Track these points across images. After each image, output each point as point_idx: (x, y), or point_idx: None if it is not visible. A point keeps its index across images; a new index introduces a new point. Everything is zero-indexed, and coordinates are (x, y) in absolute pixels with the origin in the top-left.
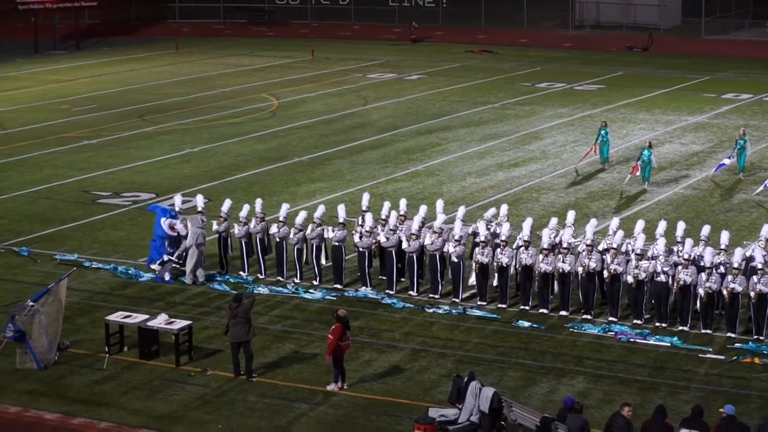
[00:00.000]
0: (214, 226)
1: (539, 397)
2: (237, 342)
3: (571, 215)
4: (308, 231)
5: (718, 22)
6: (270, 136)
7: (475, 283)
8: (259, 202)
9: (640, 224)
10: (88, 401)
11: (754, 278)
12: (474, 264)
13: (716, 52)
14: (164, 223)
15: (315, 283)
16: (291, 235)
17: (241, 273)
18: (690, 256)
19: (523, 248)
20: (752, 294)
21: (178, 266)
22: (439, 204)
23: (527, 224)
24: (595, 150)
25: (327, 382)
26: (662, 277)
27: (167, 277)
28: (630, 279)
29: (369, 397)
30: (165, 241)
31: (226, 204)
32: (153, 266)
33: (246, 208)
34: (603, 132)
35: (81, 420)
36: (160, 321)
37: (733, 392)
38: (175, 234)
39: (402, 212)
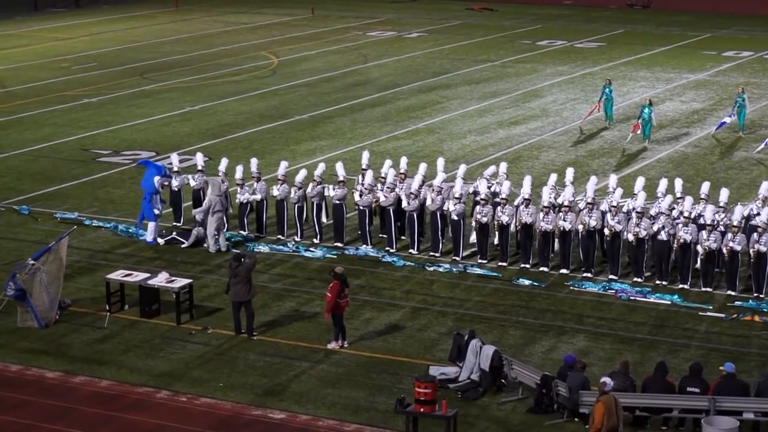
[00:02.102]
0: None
1: (540, 355)
2: (238, 301)
3: (570, 172)
4: (309, 189)
5: None
6: (270, 94)
7: (475, 241)
8: (254, 161)
9: (640, 181)
10: (88, 360)
11: (754, 236)
12: (474, 222)
13: (717, 9)
14: (157, 181)
15: (315, 241)
16: (291, 194)
17: (241, 232)
18: (690, 213)
19: (522, 206)
20: (752, 252)
21: (181, 244)
22: (440, 162)
23: (527, 182)
24: (599, 108)
25: (327, 340)
26: (663, 235)
27: (149, 237)
28: (630, 237)
29: (369, 355)
30: (156, 197)
31: (223, 163)
32: (150, 232)
33: (240, 169)
34: (607, 90)
35: (82, 378)
36: (160, 279)
37: (733, 350)
38: (164, 189)
39: (402, 170)
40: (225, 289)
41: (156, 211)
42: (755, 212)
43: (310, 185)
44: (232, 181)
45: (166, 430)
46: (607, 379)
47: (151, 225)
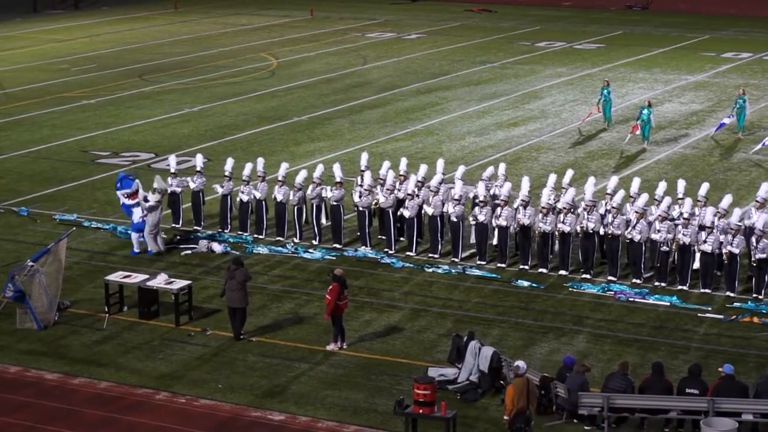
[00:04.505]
0: (219, 189)
1: (539, 356)
2: (232, 307)
3: (569, 174)
4: (308, 191)
5: None
6: (269, 95)
7: (474, 241)
8: (260, 161)
9: (636, 183)
10: (88, 361)
11: (753, 240)
12: (473, 224)
13: (715, 10)
14: (121, 195)
15: (314, 242)
16: (291, 195)
17: (240, 233)
18: (689, 215)
19: (521, 208)
20: (753, 254)
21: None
22: (440, 164)
23: (525, 184)
24: (598, 109)
25: (326, 341)
26: (660, 239)
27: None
28: (627, 236)
29: (369, 356)
30: (139, 211)
31: (229, 163)
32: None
33: (249, 166)
34: (605, 91)
35: (81, 380)
36: (159, 281)
37: (732, 351)
38: (136, 201)
39: (402, 172)
40: (221, 292)
41: (137, 219)
42: (754, 215)
43: (310, 187)
44: (237, 183)
45: (165, 431)
46: (520, 363)
47: (134, 236)
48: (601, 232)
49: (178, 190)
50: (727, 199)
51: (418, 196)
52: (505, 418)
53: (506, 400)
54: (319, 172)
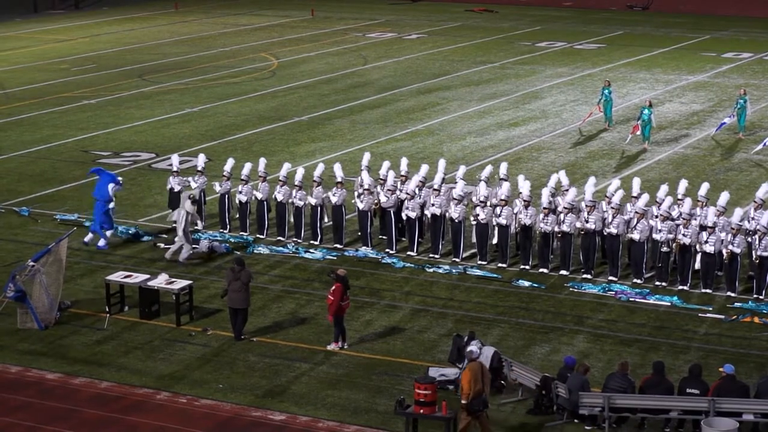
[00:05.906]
0: (217, 188)
1: (540, 356)
2: (234, 308)
3: (563, 175)
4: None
5: None
6: (270, 95)
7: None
8: (263, 161)
9: (637, 183)
10: (89, 361)
11: (755, 240)
12: (474, 224)
13: (716, 11)
14: (111, 188)
15: (315, 242)
16: (295, 196)
17: (242, 233)
18: (689, 215)
19: (522, 208)
20: (754, 252)
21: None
22: (441, 164)
23: (526, 184)
24: (599, 109)
25: (327, 341)
26: (660, 238)
27: (102, 243)
28: (628, 236)
29: (369, 356)
30: (108, 206)
31: (229, 163)
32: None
33: (248, 166)
34: (606, 92)
35: (82, 380)
36: (160, 281)
37: (733, 352)
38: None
39: (403, 172)
40: (222, 293)
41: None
42: (751, 215)
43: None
44: (236, 183)
45: (166, 431)
46: (474, 348)
47: (109, 233)
48: (605, 232)
49: (178, 188)
50: (724, 197)
51: (419, 196)
52: (463, 402)
53: (463, 383)
54: (319, 171)
